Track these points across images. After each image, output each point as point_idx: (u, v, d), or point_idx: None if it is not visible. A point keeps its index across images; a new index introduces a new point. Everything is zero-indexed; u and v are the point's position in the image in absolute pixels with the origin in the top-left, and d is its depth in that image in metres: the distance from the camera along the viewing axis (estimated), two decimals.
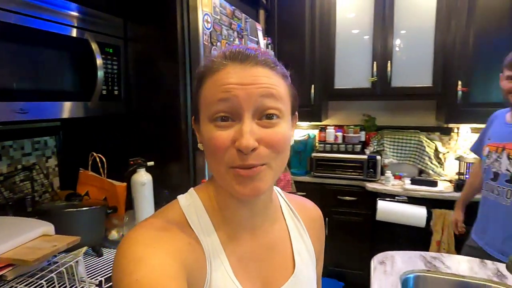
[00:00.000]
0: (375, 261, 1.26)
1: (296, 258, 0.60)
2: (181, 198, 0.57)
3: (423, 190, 2.30)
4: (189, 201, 0.55)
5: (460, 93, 2.29)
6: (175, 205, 0.55)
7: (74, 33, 1.17)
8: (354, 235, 2.53)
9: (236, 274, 0.52)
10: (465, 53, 2.28)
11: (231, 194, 0.51)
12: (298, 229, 0.63)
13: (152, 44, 1.41)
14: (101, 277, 1.03)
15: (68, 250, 1.02)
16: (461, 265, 1.24)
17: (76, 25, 1.18)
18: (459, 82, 2.29)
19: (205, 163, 1.45)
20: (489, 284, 1.14)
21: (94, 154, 1.36)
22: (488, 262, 1.27)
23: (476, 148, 1.82)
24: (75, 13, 1.18)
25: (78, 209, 1.20)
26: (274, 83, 0.50)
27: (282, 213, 0.63)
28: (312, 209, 0.69)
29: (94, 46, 1.21)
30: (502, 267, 1.23)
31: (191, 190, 0.58)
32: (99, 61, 1.22)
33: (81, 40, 1.19)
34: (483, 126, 2.56)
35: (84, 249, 1.06)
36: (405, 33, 2.47)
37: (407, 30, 2.46)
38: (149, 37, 1.42)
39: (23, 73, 1.04)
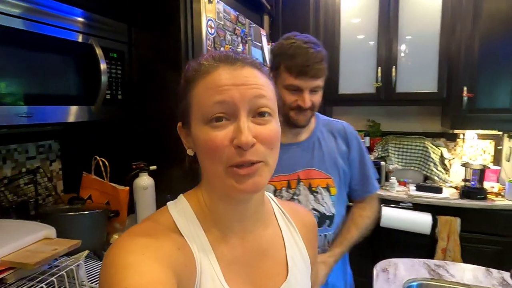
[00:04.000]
0: (377, 268, 1.24)
1: (289, 264, 0.59)
2: (170, 204, 0.57)
3: (428, 197, 2.27)
4: (178, 207, 0.55)
5: (465, 98, 2.27)
6: (164, 211, 0.55)
7: (79, 38, 1.19)
8: None
9: (226, 279, 0.51)
10: (471, 58, 2.26)
11: (228, 194, 0.52)
12: (292, 234, 0.63)
13: (156, 49, 1.42)
14: None
15: (69, 254, 1.02)
16: (465, 273, 1.22)
17: (81, 30, 1.19)
18: (465, 88, 2.27)
19: None
20: None
21: (97, 158, 1.37)
22: (494, 270, 1.24)
23: None
24: (80, 19, 1.19)
25: (80, 212, 1.21)
26: (263, 83, 0.51)
27: (276, 218, 0.63)
28: (305, 214, 0.68)
29: (98, 51, 1.22)
30: (507, 275, 1.20)
31: (180, 196, 0.59)
32: (103, 66, 1.22)
33: (85, 45, 1.20)
34: (490, 132, 2.55)
35: (86, 253, 1.06)
36: (409, 38, 2.46)
37: (412, 35, 2.46)
38: (153, 42, 1.43)
39: (29, 78, 1.05)
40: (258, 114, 0.50)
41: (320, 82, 1.13)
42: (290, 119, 1.12)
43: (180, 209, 0.55)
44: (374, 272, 1.21)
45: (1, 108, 0.96)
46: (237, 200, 0.54)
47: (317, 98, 1.15)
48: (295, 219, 0.65)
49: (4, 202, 1.28)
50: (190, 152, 0.56)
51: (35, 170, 1.43)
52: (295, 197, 1.14)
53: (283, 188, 1.14)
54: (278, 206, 0.65)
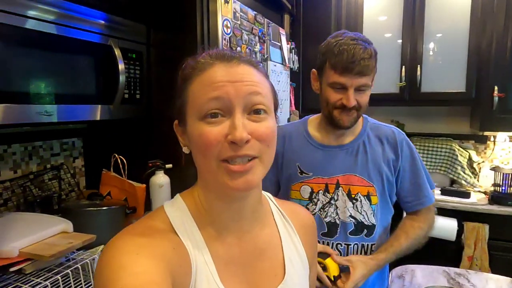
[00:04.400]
0: (393, 274, 1.20)
1: (287, 265, 0.58)
2: (166, 203, 0.57)
3: (454, 202, 2.17)
4: (174, 206, 0.56)
5: (496, 99, 2.15)
6: (160, 211, 0.56)
7: (99, 39, 1.23)
8: None
9: (222, 279, 0.51)
10: (502, 56, 2.14)
11: (222, 191, 0.52)
12: (290, 234, 0.62)
13: (173, 49, 1.44)
14: None
15: (86, 248, 1.06)
16: (488, 283, 1.16)
17: (101, 32, 1.23)
18: (496, 87, 2.15)
19: None
20: None
21: (116, 155, 1.41)
22: None
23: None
24: (101, 21, 1.24)
25: (98, 208, 1.25)
26: (259, 81, 0.51)
27: (274, 218, 0.62)
28: (304, 214, 0.67)
29: (117, 51, 1.25)
30: None
31: (177, 195, 0.59)
32: (121, 66, 1.26)
33: (105, 46, 1.24)
34: None
35: (101, 247, 1.10)
36: (436, 36, 2.36)
37: (439, 33, 2.35)
38: (170, 43, 1.45)
39: (55, 78, 1.10)
40: (254, 111, 0.50)
41: (367, 80, 1.03)
42: (334, 119, 1.05)
43: (176, 208, 0.55)
44: (389, 279, 1.17)
45: (27, 107, 1.01)
46: (231, 197, 0.53)
47: (364, 98, 1.05)
48: (294, 219, 0.64)
49: (29, 196, 1.35)
50: (185, 150, 0.56)
51: (59, 166, 1.50)
52: (332, 202, 1.08)
53: (320, 191, 1.09)
54: (277, 207, 0.64)
